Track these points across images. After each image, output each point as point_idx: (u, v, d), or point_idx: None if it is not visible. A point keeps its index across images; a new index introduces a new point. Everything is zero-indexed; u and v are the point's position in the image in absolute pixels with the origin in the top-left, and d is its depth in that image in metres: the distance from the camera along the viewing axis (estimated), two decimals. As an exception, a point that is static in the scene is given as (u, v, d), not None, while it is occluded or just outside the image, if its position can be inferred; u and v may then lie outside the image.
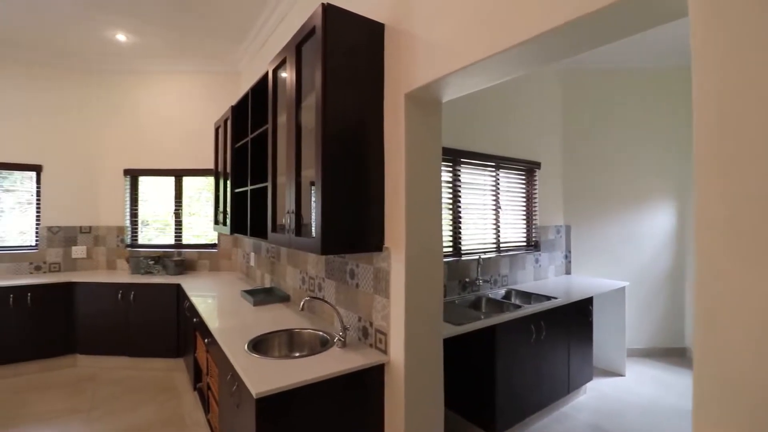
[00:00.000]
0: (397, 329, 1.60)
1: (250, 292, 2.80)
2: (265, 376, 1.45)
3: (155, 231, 4.30)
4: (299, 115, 1.80)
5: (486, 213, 3.24)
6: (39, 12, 3.03)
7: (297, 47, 1.78)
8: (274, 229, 2.07)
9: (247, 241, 3.72)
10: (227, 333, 2.02)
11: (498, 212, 3.31)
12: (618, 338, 3.39)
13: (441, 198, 1.70)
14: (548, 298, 2.79)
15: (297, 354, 1.97)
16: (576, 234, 3.84)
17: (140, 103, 4.16)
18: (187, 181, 4.24)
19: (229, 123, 3.07)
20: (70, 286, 3.61)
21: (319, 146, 1.54)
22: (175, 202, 4.23)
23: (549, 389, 2.64)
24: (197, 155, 4.07)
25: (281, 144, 2.05)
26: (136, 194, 4.27)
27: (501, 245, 3.32)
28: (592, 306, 3.01)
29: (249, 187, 2.59)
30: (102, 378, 3.40)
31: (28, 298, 3.44)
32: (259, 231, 2.53)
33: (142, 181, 4.27)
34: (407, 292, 1.56)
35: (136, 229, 4.26)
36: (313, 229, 1.57)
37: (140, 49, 3.75)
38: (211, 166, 3.82)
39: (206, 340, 2.27)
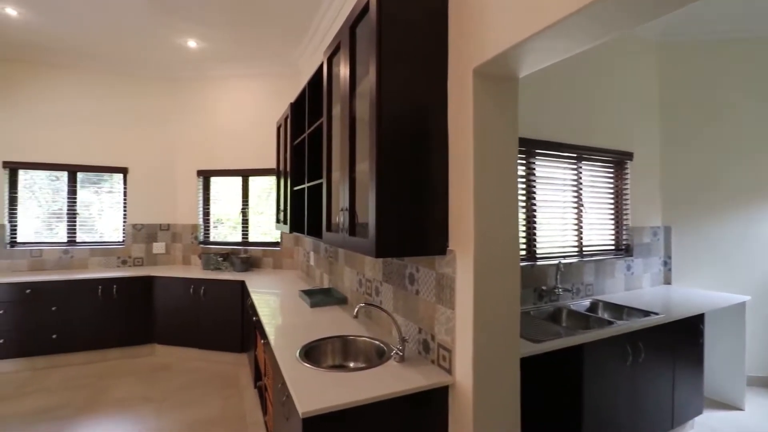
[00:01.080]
0: (463, 346, 1.36)
1: (308, 293, 2.73)
2: (314, 392, 1.31)
3: (228, 229, 4.48)
4: (353, 104, 1.63)
5: (566, 212, 2.84)
6: (119, 27, 3.26)
7: (351, 29, 1.62)
8: (328, 228, 1.94)
9: (307, 240, 3.69)
10: (281, 336, 1.93)
11: (580, 211, 2.89)
12: (736, 364, 2.78)
13: (517, 192, 1.43)
14: (646, 312, 2.34)
15: (351, 364, 1.81)
16: (678, 237, 3.24)
17: (211, 106, 4.36)
18: (253, 181, 4.36)
19: (288, 121, 3.04)
20: (150, 279, 3.88)
21: (374, 136, 1.35)
22: (242, 201, 4.36)
23: (648, 422, 2.21)
24: (262, 155, 4.15)
25: (335, 137, 1.91)
26: (208, 194, 4.48)
27: (584, 249, 2.89)
28: (703, 324, 2.48)
29: (306, 185, 2.51)
30: (175, 368, 3.58)
31: (114, 289, 3.74)
32: (315, 230, 2.43)
33: (214, 181, 4.48)
34: (476, 304, 1.32)
35: (208, 227, 4.47)
36: (368, 228, 1.40)
37: (209, 54, 3.90)
38: (274, 165, 3.86)
39: (263, 341, 2.22)
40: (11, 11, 3.04)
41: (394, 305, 1.87)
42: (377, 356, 1.73)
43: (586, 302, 2.70)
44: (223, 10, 3.03)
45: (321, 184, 2.18)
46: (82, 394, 3.05)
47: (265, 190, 4.39)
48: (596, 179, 3.01)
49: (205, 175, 4.42)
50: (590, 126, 2.90)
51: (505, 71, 1.36)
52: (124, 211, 4.32)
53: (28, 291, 3.48)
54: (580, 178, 2.91)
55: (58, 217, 4.12)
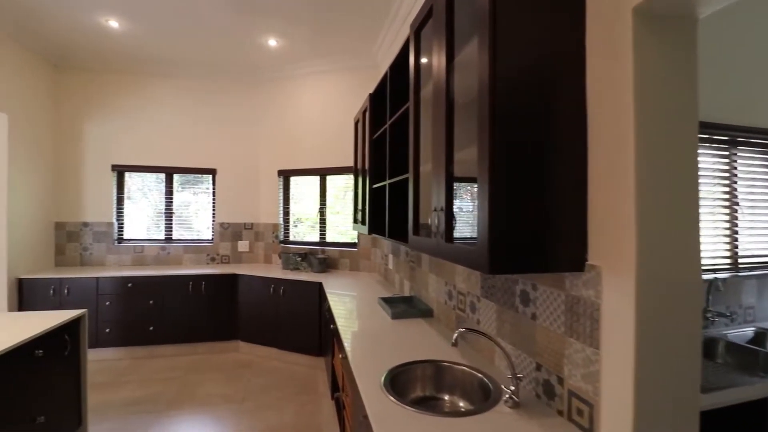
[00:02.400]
0: (616, 402, 0.97)
1: (388, 301, 2.47)
2: (406, 443, 1.02)
3: (307, 228, 4.45)
4: (451, 79, 1.32)
5: (714, 212, 2.21)
6: (206, 32, 3.33)
7: (449, -15, 1.30)
8: (416, 231, 1.65)
9: (386, 242, 3.46)
10: (361, 353, 1.69)
11: (734, 211, 2.23)
12: None
13: (697, 184, 0.98)
14: None
15: (445, 397, 1.50)
16: None
17: (290, 106, 4.36)
18: (331, 180, 4.26)
19: (367, 114, 2.82)
20: (234, 277, 3.96)
21: (486, 112, 1.02)
22: (320, 200, 4.29)
23: None
24: (339, 153, 4.03)
25: (425, 124, 1.61)
26: (288, 193, 4.49)
27: (740, 261, 2.22)
28: None
29: (387, 181, 2.25)
30: (256, 366, 3.59)
31: (202, 285, 3.88)
32: (398, 232, 2.16)
33: (293, 180, 4.47)
34: (641, 345, 0.91)
35: (288, 226, 4.48)
36: (476, 234, 1.07)
37: (288, 53, 3.87)
38: (352, 163, 3.69)
39: (341, 355, 2.01)
40: (114, 23, 3.25)
41: (498, 328, 1.51)
42: (480, 393, 1.39)
43: (748, 331, 2.05)
44: (302, 2, 2.91)
45: (405, 180, 1.90)
46: (170, 388, 3.16)
47: (342, 189, 4.27)
48: (757, 169, 2.31)
49: (285, 175, 4.43)
50: (750, 99, 2.21)
51: (678, 10, 0.94)
52: (213, 210, 4.51)
53: (129, 285, 3.75)
54: (734, 168, 2.25)
55: (157, 216, 4.43)
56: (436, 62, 1.41)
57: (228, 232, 4.49)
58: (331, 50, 3.82)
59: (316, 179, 4.30)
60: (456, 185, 1.33)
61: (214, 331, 3.92)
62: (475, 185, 1.08)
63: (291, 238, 4.48)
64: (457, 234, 1.30)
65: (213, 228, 4.49)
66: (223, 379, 3.31)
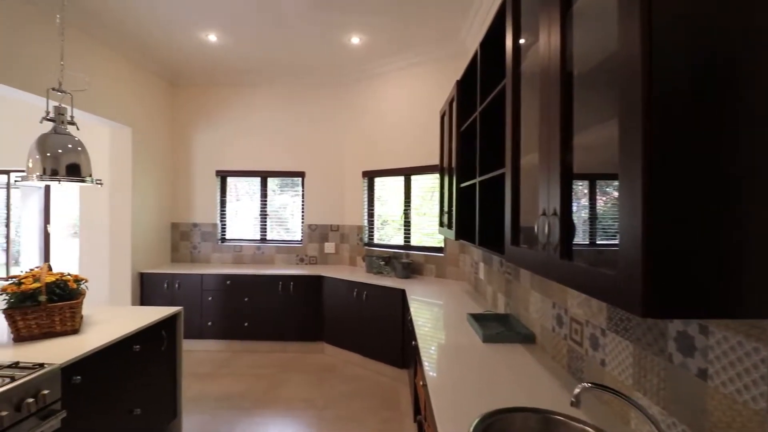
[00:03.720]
0: None
1: (478, 318, 2.13)
2: None
3: (391, 231, 4.29)
4: (568, 34, 0.95)
5: None
6: (293, 36, 3.35)
7: None
8: (514, 240, 1.30)
9: (476, 249, 3.08)
10: (444, 386, 1.40)
11: None
12: None
13: None
14: None
15: (557, 462, 1.13)
16: None
17: (373, 104, 4.23)
18: (416, 179, 4.02)
19: (454, 104, 2.51)
20: (319, 279, 3.96)
21: (638, 75, 0.65)
22: (404, 201, 4.08)
23: None
24: (424, 151, 3.76)
25: (527, 105, 1.26)
26: (372, 195, 4.38)
27: None
28: None
29: (477, 179, 1.91)
30: (339, 371, 3.51)
31: (291, 286, 3.95)
32: (491, 239, 1.82)
33: (377, 181, 4.35)
34: None
35: (373, 228, 4.37)
36: (619, 251, 0.70)
37: (371, 50, 3.73)
38: (437, 161, 3.40)
39: (421, 382, 1.74)
40: (212, 37, 3.46)
41: (637, 379, 1.09)
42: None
43: None
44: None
45: (499, 177, 1.55)
46: (260, 385, 3.23)
47: (428, 190, 4.00)
48: None
49: (370, 176, 4.32)
50: None
51: None
52: (302, 212, 4.61)
53: (228, 282, 3.98)
54: None
55: (254, 218, 4.69)
56: (545, 18, 1.05)
57: (316, 233, 4.54)
58: (415, 42, 3.58)
59: (401, 180, 4.10)
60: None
61: (301, 332, 3.97)
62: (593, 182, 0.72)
63: (375, 241, 4.36)
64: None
65: (302, 229, 4.59)
66: (307, 382, 3.29)
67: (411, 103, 3.92)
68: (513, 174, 1.31)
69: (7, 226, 4.89)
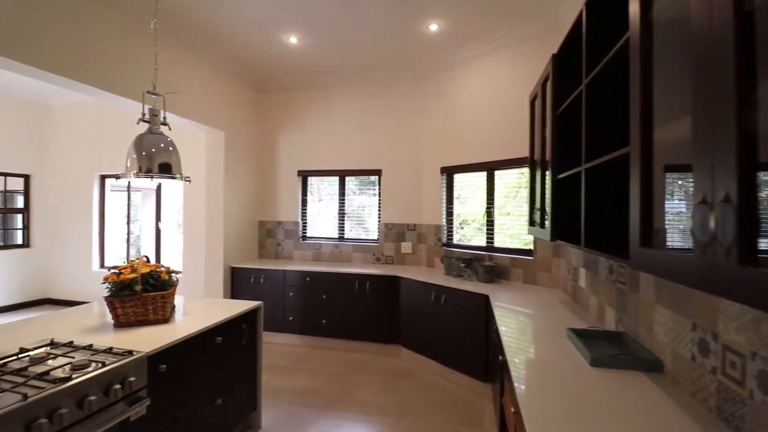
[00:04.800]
0: None
1: (582, 335, 1.78)
2: None
3: (472, 231, 4.00)
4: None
5: None
6: (370, 30, 3.25)
7: None
8: (646, 241, 0.98)
9: (574, 251, 2.67)
10: (544, 423, 1.13)
11: None
12: None
13: None
14: None
15: None
16: None
17: (452, 96, 3.97)
18: (500, 175, 3.66)
19: (548, 83, 2.16)
20: (395, 279, 3.83)
21: None
22: (487, 199, 3.74)
23: None
24: (508, 144, 3.40)
25: (660, 63, 0.95)
26: (452, 192, 4.12)
27: None
28: None
29: (583, 167, 1.58)
30: (416, 378, 3.33)
31: (367, 285, 3.88)
32: (602, 240, 1.48)
33: (457, 178, 4.08)
34: None
35: (452, 228, 4.11)
36: None
37: (450, 37, 3.48)
38: (526, 153, 3.03)
39: (513, 409, 1.46)
40: (293, 39, 3.53)
41: None
42: None
43: None
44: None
45: (619, 158, 1.23)
46: (335, 384, 3.19)
47: (512, 187, 3.62)
48: None
49: (448, 172, 4.06)
50: None
51: None
52: (379, 211, 4.53)
53: (307, 279, 4.05)
54: None
55: (333, 216, 4.74)
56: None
57: (392, 232, 4.43)
58: (498, 24, 3.25)
59: (482, 175, 3.77)
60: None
61: (377, 333, 3.87)
62: None
63: (454, 241, 4.09)
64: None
65: (379, 228, 4.51)
66: (383, 386, 3.16)
67: (493, 91, 3.59)
68: (643, 153, 1.00)
69: (128, 223, 5.63)
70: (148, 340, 1.76)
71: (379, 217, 4.52)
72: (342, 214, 4.68)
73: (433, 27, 3.30)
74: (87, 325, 1.98)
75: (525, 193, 3.47)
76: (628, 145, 1.09)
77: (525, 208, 3.43)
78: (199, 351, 1.97)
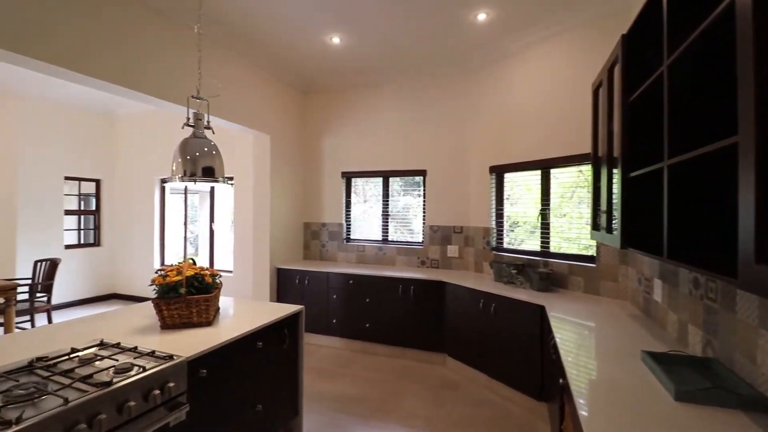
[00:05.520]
0: None
1: (660, 360, 1.52)
2: None
3: (524, 234, 3.73)
4: None
5: None
6: (414, 21, 3.12)
7: None
8: (763, 256, 0.76)
9: (645, 258, 2.35)
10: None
11: None
12: None
13: None
14: None
15: None
16: None
17: (500, 90, 3.72)
18: (555, 174, 3.37)
19: (616, 69, 1.90)
20: (441, 285, 3.66)
21: None
22: (541, 200, 3.46)
23: None
24: (565, 139, 3.11)
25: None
26: (502, 193, 3.87)
27: None
28: None
29: (666, 162, 1.33)
30: (463, 391, 3.14)
31: (411, 290, 3.75)
32: (693, 251, 1.23)
33: (507, 177, 3.82)
34: None
35: (502, 231, 3.86)
36: None
37: (500, 25, 3.25)
38: (586, 149, 2.75)
39: (576, 445, 1.26)
40: (336, 39, 3.48)
41: None
42: None
43: None
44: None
45: (716, 153, 1.00)
46: (378, 392, 3.09)
47: (569, 187, 3.31)
48: None
49: (498, 171, 3.82)
50: None
51: None
52: (424, 212, 4.38)
53: (350, 282, 4.00)
54: None
55: (376, 218, 4.66)
56: None
57: (437, 235, 4.26)
58: (554, 8, 2.97)
59: (536, 174, 3.49)
60: None
61: (421, 340, 3.73)
62: None
63: (505, 245, 3.83)
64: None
65: (423, 231, 4.36)
66: (428, 398, 3.01)
67: (548, 82, 3.30)
68: (760, 143, 0.78)
69: (185, 224, 5.94)
70: (190, 343, 1.76)
71: (423, 219, 4.37)
72: (386, 216, 4.59)
73: (482, 16, 3.10)
74: (137, 325, 2.04)
75: (583, 193, 3.16)
76: (735, 134, 0.87)
77: (584, 209, 3.12)
78: (239, 356, 1.95)
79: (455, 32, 3.38)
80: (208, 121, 2.11)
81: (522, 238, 3.74)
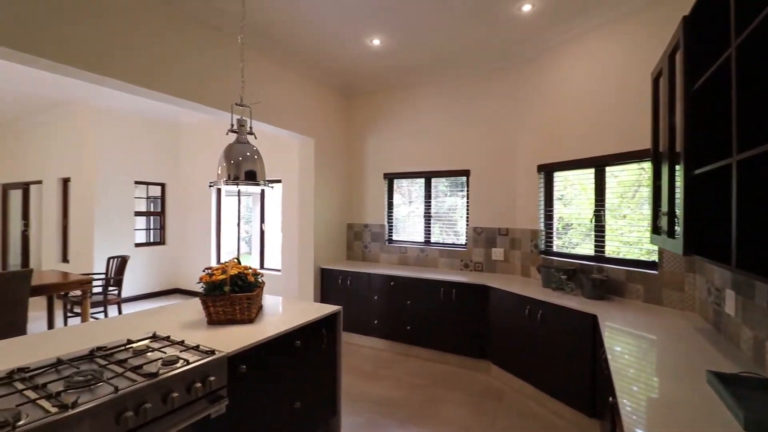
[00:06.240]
0: None
1: (729, 383, 1.33)
2: None
3: (577, 237, 3.49)
4: None
5: None
6: (451, 20, 3.04)
7: None
8: None
9: (716, 267, 2.09)
10: None
11: None
12: None
13: None
14: None
15: None
16: None
17: (553, 82, 3.51)
18: (612, 172, 3.12)
19: (678, 54, 1.71)
20: (485, 289, 3.53)
21: None
22: (595, 200, 3.21)
23: None
24: (624, 134, 2.87)
25: None
26: (551, 193, 3.65)
27: None
28: None
29: (735, 158, 1.17)
30: (508, 401, 3.00)
31: (453, 293, 3.66)
32: (764, 260, 1.07)
33: (557, 176, 3.60)
34: None
35: (551, 233, 3.64)
36: None
37: (546, 17, 3.07)
38: (646, 144, 2.50)
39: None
40: (376, 41, 3.49)
41: None
42: None
43: None
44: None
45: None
46: (417, 396, 3.04)
47: (629, 185, 3.04)
48: None
49: (547, 170, 3.61)
50: None
51: None
52: (467, 214, 4.26)
53: (392, 283, 3.99)
54: None
55: (419, 220, 4.61)
56: None
57: (481, 237, 4.12)
58: (614, -9, 2.75)
59: (590, 173, 3.25)
60: None
61: (463, 345, 3.62)
62: None
63: (554, 249, 3.61)
64: None
65: (467, 233, 4.24)
66: (469, 406, 2.91)
67: (601, 73, 3.06)
68: None
69: (238, 224, 6.28)
70: (232, 339, 1.84)
71: (467, 221, 4.25)
72: (428, 217, 4.52)
73: (526, 8, 2.95)
74: (187, 319, 2.17)
75: (646, 192, 2.89)
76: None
77: (646, 210, 2.85)
78: (278, 353, 2.01)
79: (498, 26, 3.25)
80: (251, 127, 2.20)
81: (576, 241, 3.50)
